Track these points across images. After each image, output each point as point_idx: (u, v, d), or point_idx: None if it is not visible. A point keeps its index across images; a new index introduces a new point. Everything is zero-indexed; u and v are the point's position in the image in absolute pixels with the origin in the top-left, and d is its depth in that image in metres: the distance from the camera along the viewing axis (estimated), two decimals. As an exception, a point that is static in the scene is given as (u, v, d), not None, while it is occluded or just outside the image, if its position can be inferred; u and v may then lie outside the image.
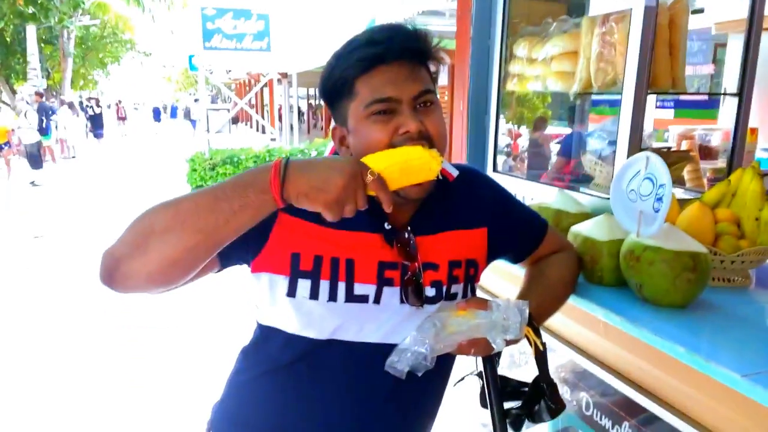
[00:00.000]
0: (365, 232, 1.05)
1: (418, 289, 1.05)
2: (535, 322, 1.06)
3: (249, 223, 0.88)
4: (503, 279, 1.77)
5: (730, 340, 1.13)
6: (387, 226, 1.05)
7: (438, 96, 1.06)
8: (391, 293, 1.04)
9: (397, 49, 0.97)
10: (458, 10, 2.40)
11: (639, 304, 1.26)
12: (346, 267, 1.02)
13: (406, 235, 1.06)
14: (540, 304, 1.13)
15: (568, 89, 1.83)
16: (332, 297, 1.02)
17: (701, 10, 5.37)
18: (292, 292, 1.03)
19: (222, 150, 9.58)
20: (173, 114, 41.38)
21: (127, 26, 22.99)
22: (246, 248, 1.02)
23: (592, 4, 1.66)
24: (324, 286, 1.02)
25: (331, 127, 1.08)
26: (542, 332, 1.10)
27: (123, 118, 27.44)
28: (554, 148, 2.78)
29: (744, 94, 1.66)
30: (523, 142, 3.04)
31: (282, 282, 1.03)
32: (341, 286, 1.02)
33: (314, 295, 1.02)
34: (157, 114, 39.06)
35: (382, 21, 9.06)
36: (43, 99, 12.00)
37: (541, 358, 1.09)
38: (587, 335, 1.47)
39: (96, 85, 29.98)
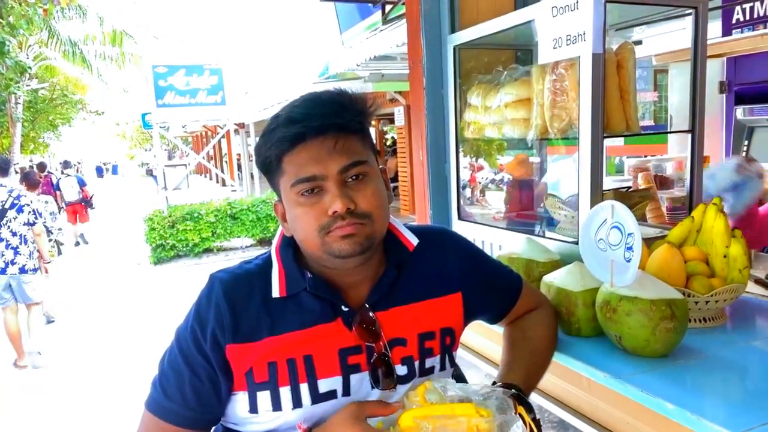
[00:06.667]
0: (323, 324, 0.97)
1: (388, 369, 0.98)
2: (525, 397, 1.01)
3: None
4: (482, 336, 1.72)
5: (717, 390, 1.11)
6: (344, 308, 0.99)
7: (376, 160, 1.00)
8: (359, 380, 0.98)
9: (317, 126, 0.91)
10: (409, 59, 2.39)
11: (620, 354, 1.23)
12: (305, 365, 0.95)
13: (366, 314, 0.99)
14: (529, 372, 1.09)
15: (525, 135, 1.83)
16: (297, 403, 0.94)
17: (640, 42, 5.63)
18: (253, 408, 0.95)
19: (181, 206, 9.32)
20: (114, 171, 49.10)
21: (78, 87, 22.61)
22: (225, 402, 0.98)
23: (540, 53, 1.67)
24: (285, 393, 0.94)
25: (274, 201, 1.03)
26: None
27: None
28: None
29: (696, 130, 1.69)
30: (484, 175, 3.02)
31: (242, 398, 0.96)
32: (304, 389, 0.95)
33: (277, 406, 0.94)
34: (99, 171, 45.29)
35: (336, 68, 9.15)
36: None
37: None
38: (571, 390, 1.42)
39: (47, 147, 29.30)
